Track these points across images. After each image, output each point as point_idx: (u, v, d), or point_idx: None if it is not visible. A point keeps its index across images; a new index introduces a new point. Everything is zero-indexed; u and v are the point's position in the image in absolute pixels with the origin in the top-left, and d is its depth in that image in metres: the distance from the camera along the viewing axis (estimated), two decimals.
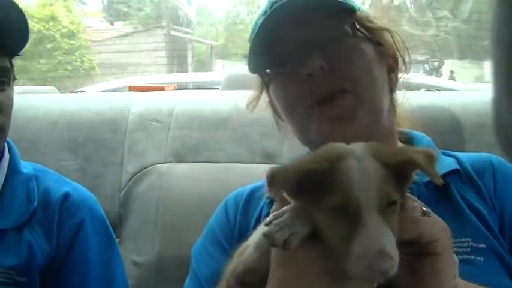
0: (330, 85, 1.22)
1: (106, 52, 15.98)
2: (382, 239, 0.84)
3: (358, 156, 0.90)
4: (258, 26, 1.26)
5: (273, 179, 0.90)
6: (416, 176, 0.96)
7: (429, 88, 3.35)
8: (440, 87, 4.20)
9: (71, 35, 14.45)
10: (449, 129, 2.03)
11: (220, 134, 2.18)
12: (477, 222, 1.21)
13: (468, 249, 1.18)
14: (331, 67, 1.22)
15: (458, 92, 3.09)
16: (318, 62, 1.21)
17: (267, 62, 1.32)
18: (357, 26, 1.28)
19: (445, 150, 1.40)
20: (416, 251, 0.92)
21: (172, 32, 17.48)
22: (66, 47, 14.24)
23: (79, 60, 14.43)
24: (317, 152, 0.96)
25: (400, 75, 1.39)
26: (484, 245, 1.18)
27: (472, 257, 1.17)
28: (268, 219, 0.95)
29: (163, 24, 17.73)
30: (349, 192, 0.86)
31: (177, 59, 17.58)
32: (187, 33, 19.46)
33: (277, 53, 1.28)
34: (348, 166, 0.89)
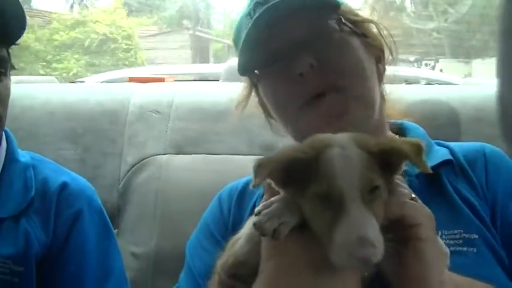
0: (322, 83, 1.23)
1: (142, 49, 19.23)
2: (364, 226, 0.84)
3: (342, 144, 0.91)
4: (247, 29, 1.25)
5: (258, 168, 0.91)
6: (405, 167, 0.97)
7: (429, 81, 3.36)
8: (439, 80, 4.21)
9: (128, 36, 17.95)
10: (447, 122, 2.04)
11: (219, 126, 2.18)
12: (469, 214, 1.22)
13: (460, 241, 1.18)
14: (321, 65, 1.22)
15: (457, 86, 3.10)
16: (308, 61, 1.21)
17: (255, 63, 1.31)
18: (343, 20, 1.28)
19: (439, 141, 1.40)
20: (400, 236, 0.93)
21: (197, 33, 20.38)
22: (125, 47, 17.70)
23: (133, 57, 17.83)
24: (304, 142, 0.97)
25: (388, 67, 1.39)
26: (476, 236, 1.19)
27: (464, 248, 1.17)
28: (257, 209, 0.95)
29: (189, 25, 21.10)
30: (332, 180, 0.87)
31: (200, 55, 20.05)
32: (206, 33, 21.68)
33: (265, 53, 1.27)
34: (331, 154, 0.89)
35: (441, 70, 13.31)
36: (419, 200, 1.00)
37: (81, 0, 21.17)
